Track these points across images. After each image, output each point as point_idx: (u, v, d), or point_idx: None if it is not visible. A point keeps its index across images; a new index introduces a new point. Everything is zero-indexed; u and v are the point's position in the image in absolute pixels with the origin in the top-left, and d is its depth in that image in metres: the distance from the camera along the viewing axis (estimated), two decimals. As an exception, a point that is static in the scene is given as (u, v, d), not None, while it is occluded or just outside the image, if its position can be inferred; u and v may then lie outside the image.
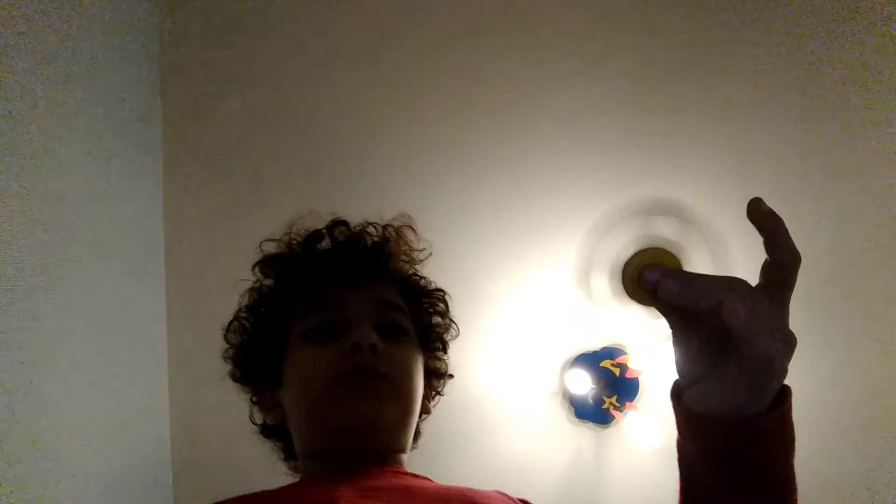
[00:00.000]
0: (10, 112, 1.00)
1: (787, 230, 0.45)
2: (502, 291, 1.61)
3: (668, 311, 0.50)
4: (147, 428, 1.45)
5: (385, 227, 0.87)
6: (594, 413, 1.61)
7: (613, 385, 1.60)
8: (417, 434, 0.83)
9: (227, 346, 0.86)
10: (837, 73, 1.60)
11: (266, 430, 0.86)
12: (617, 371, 1.61)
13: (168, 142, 1.55)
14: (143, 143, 1.49)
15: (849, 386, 1.61)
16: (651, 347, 1.61)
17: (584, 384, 1.58)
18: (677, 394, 0.51)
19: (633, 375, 1.61)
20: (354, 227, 0.86)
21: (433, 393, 0.89)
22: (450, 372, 0.91)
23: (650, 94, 1.61)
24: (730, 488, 0.48)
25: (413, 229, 0.88)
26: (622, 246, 0.50)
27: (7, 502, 0.93)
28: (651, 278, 0.46)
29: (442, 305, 0.89)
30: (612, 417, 1.60)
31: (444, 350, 0.89)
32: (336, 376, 0.70)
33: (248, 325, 0.85)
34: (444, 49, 1.61)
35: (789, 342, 0.45)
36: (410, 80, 1.60)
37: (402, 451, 0.76)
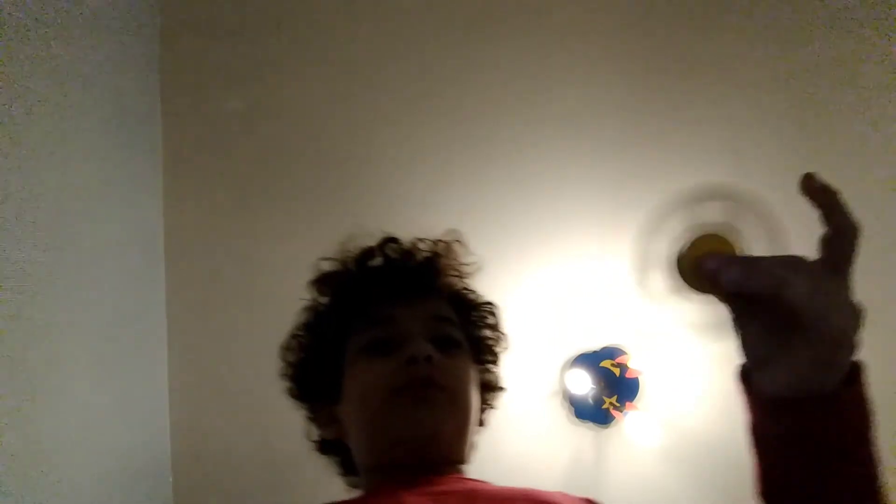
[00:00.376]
0: (10, 112, 1.00)
1: (843, 201, 0.45)
2: (502, 291, 1.60)
3: (730, 297, 0.49)
4: (147, 427, 1.45)
5: (435, 242, 0.89)
6: (594, 413, 1.60)
7: (613, 385, 1.60)
8: (473, 447, 0.84)
9: (284, 364, 0.88)
10: (837, 71, 1.60)
11: (323, 447, 0.87)
12: (617, 371, 1.61)
13: (168, 142, 1.55)
14: (143, 143, 1.49)
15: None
16: (651, 347, 1.61)
17: (584, 384, 1.58)
18: (745, 377, 0.51)
19: (633, 375, 1.60)
20: (405, 244, 0.88)
21: (487, 406, 0.90)
22: (502, 385, 0.92)
23: (651, 93, 1.61)
24: (813, 468, 0.47)
25: (462, 244, 0.90)
26: (674, 238, 0.50)
27: (7, 502, 0.93)
28: (710, 267, 0.46)
29: (492, 318, 0.91)
30: (612, 417, 1.60)
31: (496, 363, 0.91)
32: (394, 389, 0.72)
33: (304, 342, 0.87)
34: (445, 49, 1.61)
35: (857, 315, 0.45)
36: (411, 80, 1.60)
37: (462, 461, 0.77)
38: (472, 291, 0.90)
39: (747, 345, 0.50)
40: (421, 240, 0.88)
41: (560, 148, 1.61)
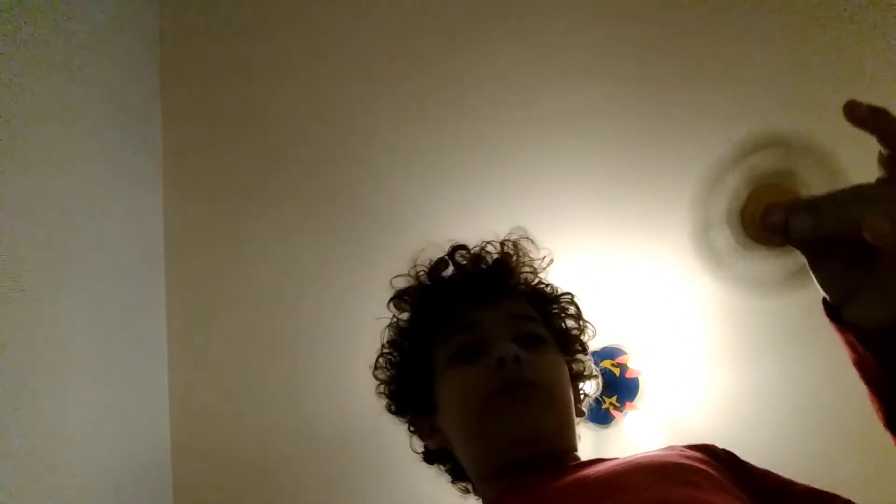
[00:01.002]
0: (10, 112, 1.00)
1: (894, 117, 0.43)
2: (502, 291, 1.61)
3: (802, 243, 0.46)
4: (147, 427, 1.45)
5: (502, 243, 0.90)
6: (594, 413, 1.60)
7: (613, 385, 1.60)
8: (579, 436, 0.84)
9: (378, 382, 0.90)
10: (837, 74, 1.60)
11: (428, 456, 0.88)
12: (617, 371, 1.61)
13: (168, 141, 1.55)
14: (143, 143, 1.49)
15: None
16: (651, 347, 1.61)
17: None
18: (834, 314, 0.48)
19: (633, 375, 1.60)
20: (473, 249, 0.89)
21: (582, 395, 0.90)
22: (595, 373, 0.93)
23: (650, 92, 1.60)
24: None
25: (531, 240, 0.91)
26: (732, 194, 0.46)
27: (7, 502, 0.93)
28: (777, 220, 0.43)
29: (573, 308, 0.92)
30: (612, 417, 1.60)
31: (584, 352, 0.92)
32: (489, 394, 0.72)
33: (393, 359, 0.89)
34: (444, 48, 1.61)
35: None
36: (410, 79, 1.60)
37: (574, 449, 0.77)
38: (549, 285, 0.91)
39: (829, 283, 0.48)
40: (489, 242, 0.89)
41: (559, 147, 1.61)
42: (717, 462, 0.70)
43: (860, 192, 0.42)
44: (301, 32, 1.59)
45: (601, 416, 1.60)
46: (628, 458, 0.69)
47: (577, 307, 0.92)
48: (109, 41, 1.34)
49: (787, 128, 0.48)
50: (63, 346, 1.12)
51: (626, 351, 1.61)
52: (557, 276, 1.60)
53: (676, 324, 1.59)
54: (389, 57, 1.60)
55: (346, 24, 1.59)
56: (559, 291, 0.92)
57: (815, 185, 0.46)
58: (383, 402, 0.89)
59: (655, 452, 0.71)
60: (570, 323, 0.91)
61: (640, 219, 1.57)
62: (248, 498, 1.54)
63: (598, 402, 1.60)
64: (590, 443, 1.64)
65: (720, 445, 0.74)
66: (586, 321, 0.93)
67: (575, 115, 1.61)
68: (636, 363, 1.60)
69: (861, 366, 0.49)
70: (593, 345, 1.60)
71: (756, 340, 1.55)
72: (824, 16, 1.59)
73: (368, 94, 1.59)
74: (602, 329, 1.62)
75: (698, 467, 0.66)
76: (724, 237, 0.47)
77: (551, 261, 0.92)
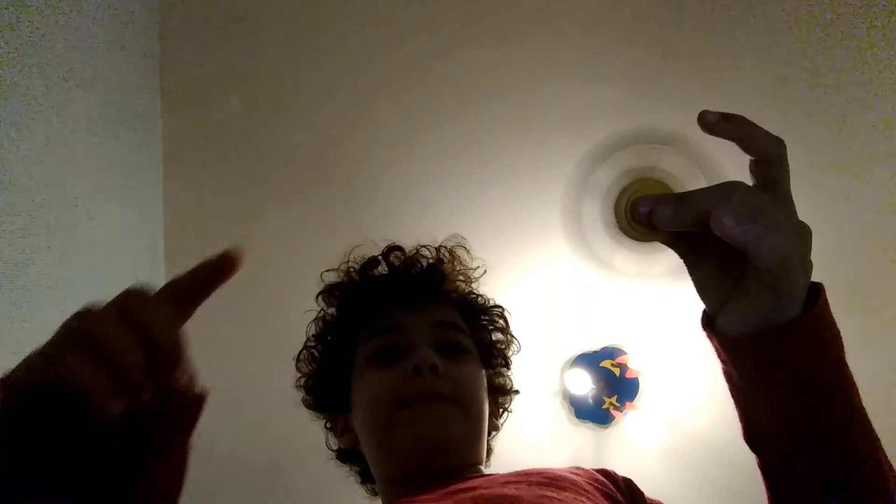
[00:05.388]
0: (10, 112, 1.00)
1: (753, 124, 0.43)
2: (502, 291, 1.61)
3: (673, 240, 0.47)
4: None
5: (438, 248, 0.88)
6: (594, 413, 1.61)
7: (613, 385, 1.60)
8: (489, 451, 0.83)
9: (299, 374, 0.89)
10: (839, 72, 1.60)
11: (341, 455, 0.87)
12: (617, 371, 1.61)
13: (168, 142, 1.55)
14: (143, 143, 1.49)
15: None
16: (651, 347, 1.61)
17: (584, 384, 1.58)
18: (709, 323, 0.48)
19: (633, 375, 1.61)
20: (409, 251, 0.88)
21: (500, 410, 0.90)
22: (515, 388, 0.91)
23: (652, 92, 1.60)
24: (790, 405, 0.45)
25: (466, 249, 0.90)
26: (609, 186, 0.47)
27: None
28: (644, 210, 0.43)
29: (501, 321, 0.91)
30: (612, 417, 1.60)
31: (507, 366, 0.91)
32: (400, 401, 0.71)
33: (315, 353, 0.88)
34: (445, 49, 1.61)
35: (802, 233, 0.42)
36: (410, 79, 1.60)
37: (479, 463, 0.76)
38: (480, 296, 0.90)
39: (702, 288, 0.48)
40: (424, 246, 0.88)
41: (560, 147, 1.61)
42: (611, 482, 0.72)
43: (721, 188, 0.42)
44: (300, 32, 1.59)
45: (601, 416, 1.61)
46: (520, 471, 0.68)
47: (506, 320, 0.91)
48: (110, 42, 1.34)
49: (673, 126, 0.48)
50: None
51: (626, 351, 1.62)
52: (558, 276, 1.61)
53: (676, 324, 1.59)
54: (389, 58, 1.60)
55: (345, 25, 1.59)
56: (490, 303, 0.91)
57: (690, 183, 0.46)
58: (300, 395, 0.88)
59: (551, 468, 0.70)
60: (497, 336, 0.90)
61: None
62: (248, 498, 1.54)
63: (597, 402, 1.61)
64: (590, 443, 1.64)
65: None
66: (514, 336, 0.92)
67: (577, 115, 1.61)
68: (636, 363, 1.61)
69: (728, 377, 0.49)
70: (593, 345, 1.61)
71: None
72: (828, 17, 1.59)
73: (368, 94, 1.59)
74: (602, 329, 1.63)
75: (571, 478, 0.66)
76: (596, 227, 0.48)
77: (484, 271, 0.91)
